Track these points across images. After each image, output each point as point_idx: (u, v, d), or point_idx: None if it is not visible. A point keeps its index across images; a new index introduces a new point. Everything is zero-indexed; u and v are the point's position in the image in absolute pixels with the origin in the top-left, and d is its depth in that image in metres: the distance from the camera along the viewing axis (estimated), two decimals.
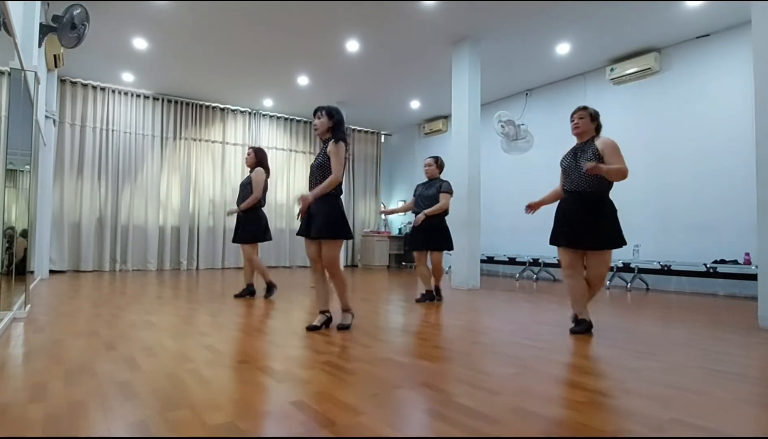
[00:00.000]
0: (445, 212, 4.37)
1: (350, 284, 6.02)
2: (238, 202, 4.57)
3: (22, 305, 3.48)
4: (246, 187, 4.54)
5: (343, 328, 2.99)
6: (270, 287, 4.57)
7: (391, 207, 10.90)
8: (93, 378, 1.92)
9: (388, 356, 2.37)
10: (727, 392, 1.86)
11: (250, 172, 4.61)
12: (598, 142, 2.94)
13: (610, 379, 2.02)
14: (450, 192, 4.38)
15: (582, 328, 3.01)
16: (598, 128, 3.06)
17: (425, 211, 4.28)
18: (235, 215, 4.63)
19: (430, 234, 4.31)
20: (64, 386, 1.81)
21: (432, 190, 4.39)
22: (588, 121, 3.01)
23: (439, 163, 4.51)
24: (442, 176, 4.52)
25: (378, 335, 2.92)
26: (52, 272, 7.01)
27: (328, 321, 3.08)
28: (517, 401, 1.72)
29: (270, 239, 4.58)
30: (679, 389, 1.90)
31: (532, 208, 3.33)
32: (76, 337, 2.71)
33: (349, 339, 2.75)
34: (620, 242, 2.90)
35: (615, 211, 2.95)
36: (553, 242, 3.09)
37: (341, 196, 3.06)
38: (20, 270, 3.56)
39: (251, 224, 4.47)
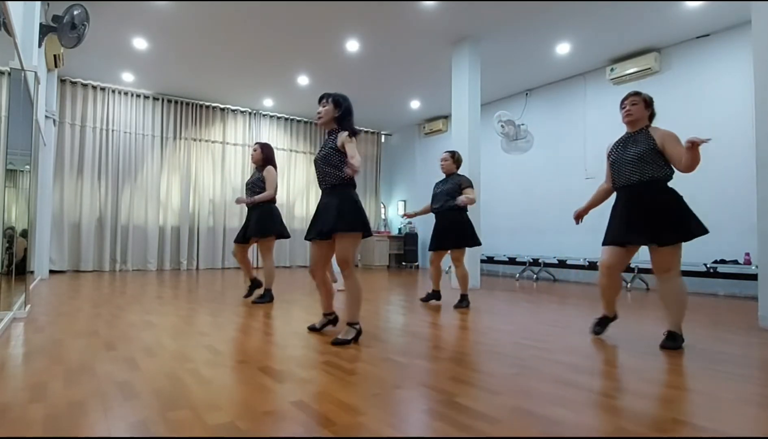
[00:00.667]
0: (466, 208, 4.14)
1: None
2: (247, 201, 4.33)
3: (22, 305, 3.49)
4: (254, 185, 4.27)
5: (339, 343, 2.60)
6: (266, 294, 4.18)
7: (399, 208, 10.90)
8: (93, 378, 1.92)
9: (388, 356, 2.37)
10: (727, 392, 1.86)
11: (256, 169, 4.37)
12: (656, 134, 2.62)
13: (611, 379, 2.02)
14: (472, 185, 4.17)
15: (598, 329, 2.96)
16: (651, 116, 2.74)
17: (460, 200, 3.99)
18: (245, 212, 4.45)
19: (454, 230, 4.05)
20: (64, 386, 1.81)
21: (449, 185, 4.16)
22: (642, 108, 2.69)
23: (455, 158, 4.23)
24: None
25: (378, 335, 2.91)
26: (52, 272, 7.01)
27: (332, 322, 3.04)
28: (517, 401, 1.72)
29: (288, 236, 4.24)
30: (679, 389, 1.90)
31: (579, 216, 3.02)
32: (76, 337, 2.71)
33: None
34: (681, 234, 2.48)
35: (677, 198, 2.58)
36: (603, 242, 2.84)
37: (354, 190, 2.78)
38: (20, 270, 3.56)
39: (265, 218, 4.13)
